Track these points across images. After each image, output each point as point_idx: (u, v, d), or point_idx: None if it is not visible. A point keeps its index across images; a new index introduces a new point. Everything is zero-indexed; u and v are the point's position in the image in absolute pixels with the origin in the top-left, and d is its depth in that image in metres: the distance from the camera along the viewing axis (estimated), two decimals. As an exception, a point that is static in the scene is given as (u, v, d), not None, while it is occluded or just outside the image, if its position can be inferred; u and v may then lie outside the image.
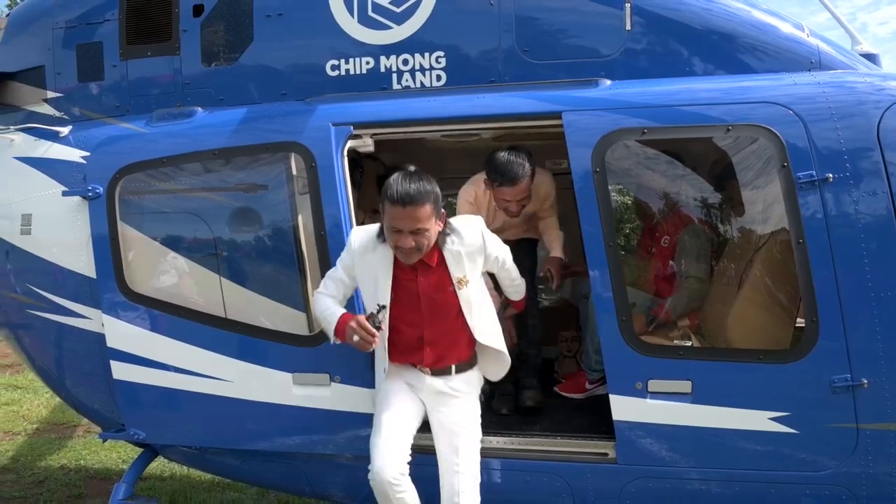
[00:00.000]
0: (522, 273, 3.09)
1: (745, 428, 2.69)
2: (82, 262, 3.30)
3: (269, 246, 3.19)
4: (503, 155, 3.16)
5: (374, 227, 2.68)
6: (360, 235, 2.69)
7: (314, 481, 3.27)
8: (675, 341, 2.92)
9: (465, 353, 2.75)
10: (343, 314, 2.62)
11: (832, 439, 2.66)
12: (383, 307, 2.57)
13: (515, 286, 3.04)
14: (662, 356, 2.76)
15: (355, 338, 2.51)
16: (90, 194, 3.23)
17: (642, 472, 2.81)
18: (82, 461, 5.77)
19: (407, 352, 2.71)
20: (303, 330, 3.02)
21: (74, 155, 3.42)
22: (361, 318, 2.54)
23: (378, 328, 2.53)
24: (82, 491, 5.09)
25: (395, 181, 2.50)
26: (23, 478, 5.42)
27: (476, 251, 2.69)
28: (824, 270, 2.59)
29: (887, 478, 2.65)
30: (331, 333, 2.63)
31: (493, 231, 3.27)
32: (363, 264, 2.64)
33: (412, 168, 2.91)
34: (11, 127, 3.64)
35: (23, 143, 3.63)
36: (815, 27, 3.26)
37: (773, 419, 2.66)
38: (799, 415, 2.66)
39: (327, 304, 2.68)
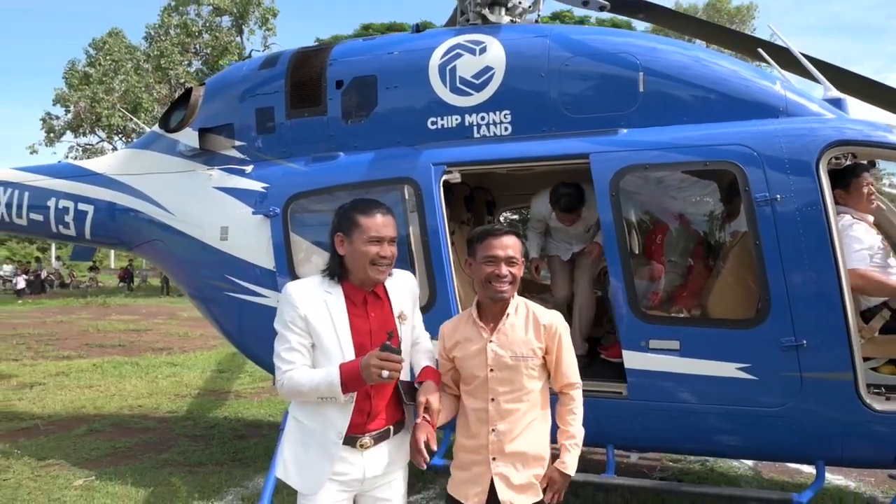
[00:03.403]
0: None
1: (719, 375, 3.69)
2: (265, 259, 4.72)
3: None
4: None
5: (309, 279, 2.58)
6: (300, 289, 2.48)
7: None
8: (672, 313, 4.03)
9: (398, 410, 2.59)
10: (340, 365, 2.35)
11: (783, 384, 3.63)
12: (391, 333, 2.38)
13: (428, 351, 2.76)
14: (659, 323, 3.88)
15: (385, 373, 2.24)
16: (271, 213, 4.70)
17: (646, 405, 3.89)
18: (240, 414, 7.46)
19: (353, 415, 2.45)
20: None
21: (257, 186, 4.91)
22: (376, 352, 2.27)
23: (399, 353, 2.31)
24: (243, 433, 6.71)
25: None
26: (198, 424, 7.14)
27: (411, 291, 2.70)
28: (775, 262, 3.60)
29: (823, 412, 3.62)
30: (336, 392, 2.33)
31: None
32: (314, 314, 2.43)
33: None
34: (215, 167, 5.22)
35: (219, 177, 5.15)
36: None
37: (739, 369, 3.67)
38: (758, 366, 3.64)
39: (307, 371, 2.42)
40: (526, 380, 2.53)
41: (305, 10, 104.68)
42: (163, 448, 6.25)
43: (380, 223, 2.47)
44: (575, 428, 2.61)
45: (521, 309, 2.60)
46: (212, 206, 5.10)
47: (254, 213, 4.80)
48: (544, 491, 2.58)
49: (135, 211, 5.74)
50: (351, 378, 2.33)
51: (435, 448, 2.46)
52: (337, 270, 2.52)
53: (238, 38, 33.73)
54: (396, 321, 2.56)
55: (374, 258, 2.45)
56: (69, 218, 6.32)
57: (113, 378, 9.80)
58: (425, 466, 2.46)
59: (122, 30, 33.88)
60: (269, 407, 7.60)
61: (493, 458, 2.53)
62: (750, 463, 5.69)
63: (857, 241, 3.74)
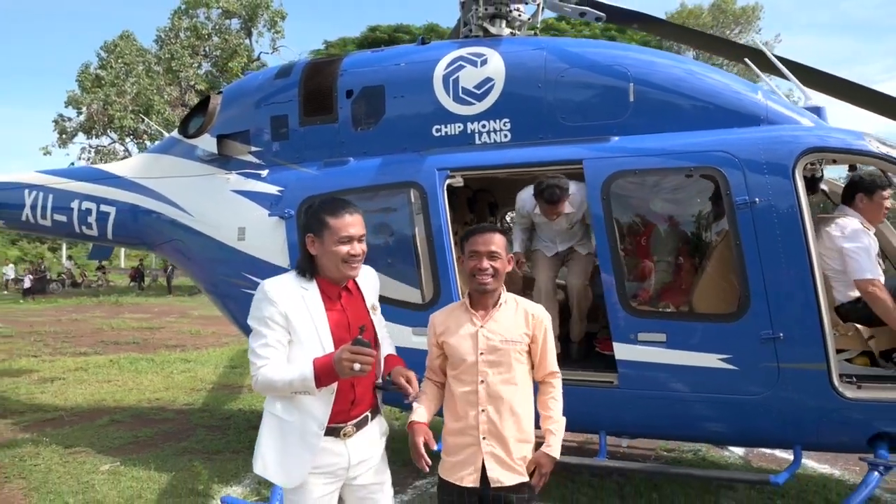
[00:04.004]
0: None
1: (702, 365, 3.96)
2: (280, 258, 5.02)
3: (397, 245, 4.74)
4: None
5: (285, 276, 2.61)
6: (277, 286, 2.52)
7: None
8: (659, 308, 4.32)
9: (373, 396, 2.71)
10: (314, 360, 2.39)
11: (761, 374, 3.90)
12: (363, 327, 2.38)
13: (389, 338, 2.91)
14: (647, 317, 4.16)
15: (357, 366, 2.27)
16: (286, 215, 5.01)
17: (635, 393, 4.16)
18: (253, 407, 7.77)
19: (338, 403, 2.53)
20: (418, 299, 4.57)
21: (272, 189, 5.22)
22: (349, 346, 2.30)
23: (370, 346, 2.34)
24: (257, 424, 6.92)
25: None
26: (214, 415, 7.47)
27: (375, 285, 2.82)
28: (754, 261, 3.87)
29: (799, 400, 3.90)
30: (310, 386, 2.38)
31: None
32: (293, 311, 2.49)
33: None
34: (232, 171, 5.53)
35: (236, 181, 5.46)
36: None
37: (721, 360, 3.95)
38: (739, 357, 3.92)
39: (281, 366, 2.45)
40: (514, 363, 2.69)
41: (313, 12, 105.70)
42: (182, 437, 6.58)
43: (348, 223, 2.53)
44: (557, 414, 2.77)
45: (510, 301, 2.81)
46: (229, 208, 5.41)
47: (269, 214, 5.12)
48: (531, 475, 2.69)
49: (156, 213, 6.07)
50: (324, 372, 2.37)
51: (434, 447, 2.62)
52: (308, 268, 2.58)
53: (247, 41, 34.15)
54: (370, 312, 2.70)
55: (346, 257, 2.53)
56: (92, 219, 6.67)
57: (130, 373, 10.16)
58: (428, 469, 2.62)
59: (133, 32, 34.34)
60: (281, 400, 7.92)
61: (484, 438, 2.65)
62: (740, 451, 5.97)
63: (873, 250, 4.02)
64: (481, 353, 2.69)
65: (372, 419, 2.69)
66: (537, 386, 2.84)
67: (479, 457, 2.67)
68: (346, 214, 2.54)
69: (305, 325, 2.50)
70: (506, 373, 2.69)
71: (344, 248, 2.52)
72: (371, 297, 2.75)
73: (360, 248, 2.58)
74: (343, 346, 2.35)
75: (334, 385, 2.47)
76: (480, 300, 2.78)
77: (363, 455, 2.63)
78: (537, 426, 2.80)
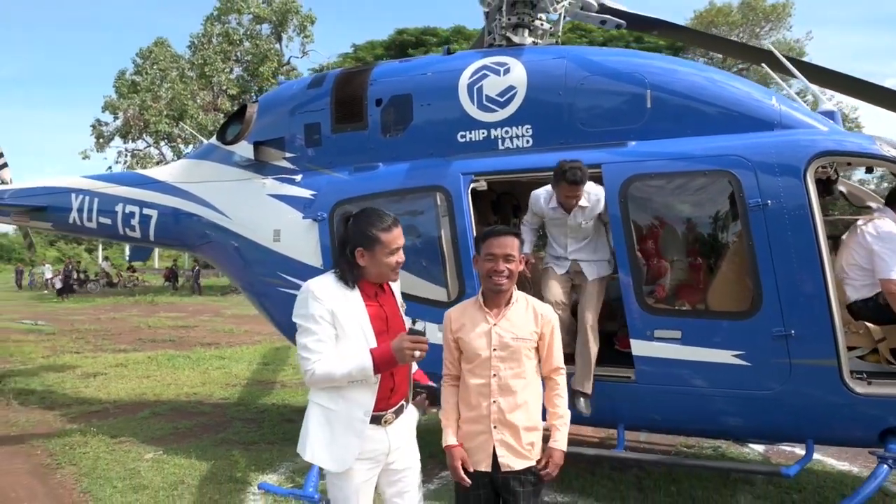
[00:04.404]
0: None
1: (717, 361, 4.12)
2: (313, 258, 5.31)
3: (424, 246, 4.94)
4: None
5: (328, 278, 2.79)
6: (322, 286, 2.73)
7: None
8: (675, 306, 4.48)
9: (407, 386, 2.93)
10: (371, 351, 2.63)
11: (774, 370, 4.04)
12: (415, 318, 2.63)
13: None
14: (663, 315, 4.32)
15: (417, 353, 2.55)
16: (318, 218, 5.30)
17: (651, 388, 4.33)
18: (286, 401, 8.09)
19: (378, 392, 2.75)
20: (444, 297, 4.78)
21: (306, 193, 5.52)
22: (407, 336, 2.58)
23: (425, 334, 2.59)
24: (291, 418, 7.31)
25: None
26: (249, 409, 7.79)
27: (398, 285, 3.06)
28: (766, 261, 4.03)
29: (810, 395, 4.03)
30: (368, 375, 2.62)
31: None
32: (339, 308, 2.68)
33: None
34: (268, 176, 5.85)
35: (271, 185, 5.78)
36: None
37: (735, 356, 4.10)
38: (752, 353, 4.07)
39: (337, 358, 2.64)
40: (524, 358, 2.89)
41: (341, 16, 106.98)
42: (219, 429, 6.91)
43: (396, 236, 2.78)
44: (563, 409, 2.96)
45: (521, 300, 2.98)
46: (266, 211, 5.72)
47: (303, 217, 5.40)
48: (546, 465, 2.89)
49: (196, 216, 6.40)
50: (384, 361, 2.61)
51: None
52: (351, 277, 2.77)
53: (277, 45, 34.78)
54: (401, 310, 2.97)
55: (394, 266, 2.80)
56: (135, 221, 7.05)
57: (167, 369, 10.57)
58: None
59: (168, 39, 35.22)
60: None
61: (495, 427, 2.86)
62: (760, 449, 6.08)
63: None
64: (494, 350, 2.88)
65: (406, 407, 2.94)
66: (544, 380, 3.02)
67: (490, 444, 2.88)
68: (394, 228, 2.79)
69: (350, 321, 2.70)
70: (516, 367, 2.89)
71: (394, 259, 2.78)
72: (399, 297, 3.02)
73: (402, 254, 2.84)
74: (400, 335, 2.61)
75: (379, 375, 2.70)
76: (494, 299, 2.94)
77: (400, 441, 2.86)
78: (545, 417, 3.01)
